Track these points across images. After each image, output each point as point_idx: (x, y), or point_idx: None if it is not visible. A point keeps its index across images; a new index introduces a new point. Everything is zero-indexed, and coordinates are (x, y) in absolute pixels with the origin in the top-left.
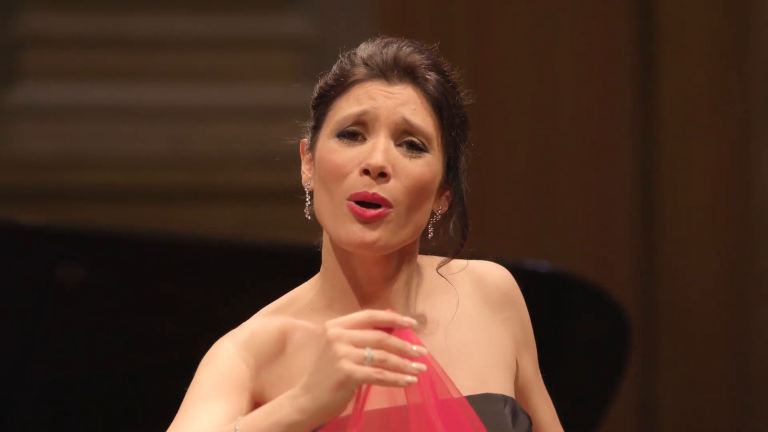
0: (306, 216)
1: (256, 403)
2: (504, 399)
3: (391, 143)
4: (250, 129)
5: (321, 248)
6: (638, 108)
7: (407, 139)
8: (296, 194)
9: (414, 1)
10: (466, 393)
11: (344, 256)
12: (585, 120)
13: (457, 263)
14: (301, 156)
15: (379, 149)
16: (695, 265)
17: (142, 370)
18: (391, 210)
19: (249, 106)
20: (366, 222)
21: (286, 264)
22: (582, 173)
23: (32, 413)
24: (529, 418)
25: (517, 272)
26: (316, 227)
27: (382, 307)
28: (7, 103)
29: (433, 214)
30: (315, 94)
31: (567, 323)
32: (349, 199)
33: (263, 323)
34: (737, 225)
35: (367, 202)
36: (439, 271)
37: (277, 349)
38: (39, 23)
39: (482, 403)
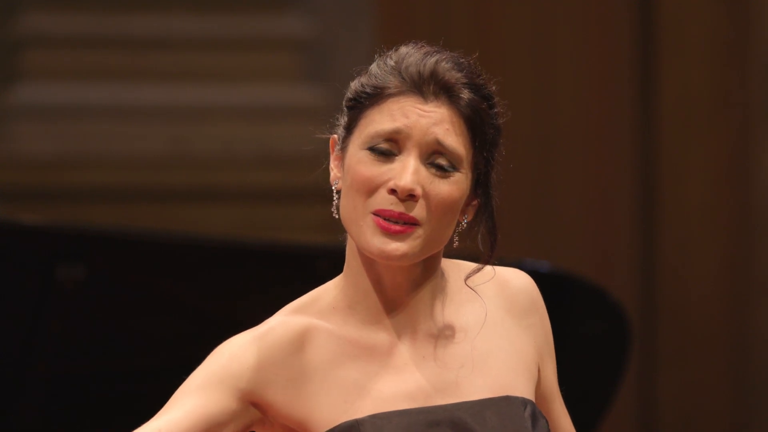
0: (333, 214)
1: (252, 402)
2: (524, 402)
3: (421, 164)
4: (250, 129)
5: (345, 244)
6: (638, 107)
7: (438, 158)
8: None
9: (414, 1)
10: (486, 396)
11: (369, 260)
12: (585, 119)
13: (483, 271)
14: (331, 152)
15: (409, 171)
16: (695, 265)
17: (142, 370)
18: (418, 227)
19: (249, 106)
20: (391, 235)
21: (286, 264)
22: (582, 173)
23: (32, 413)
24: (548, 423)
25: None
26: (315, 228)
27: (407, 317)
28: (7, 103)
29: (458, 223)
30: (349, 95)
31: (567, 323)
32: (374, 213)
33: (280, 322)
34: (737, 225)
35: (393, 219)
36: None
37: (292, 349)
38: (39, 23)
39: (502, 405)
